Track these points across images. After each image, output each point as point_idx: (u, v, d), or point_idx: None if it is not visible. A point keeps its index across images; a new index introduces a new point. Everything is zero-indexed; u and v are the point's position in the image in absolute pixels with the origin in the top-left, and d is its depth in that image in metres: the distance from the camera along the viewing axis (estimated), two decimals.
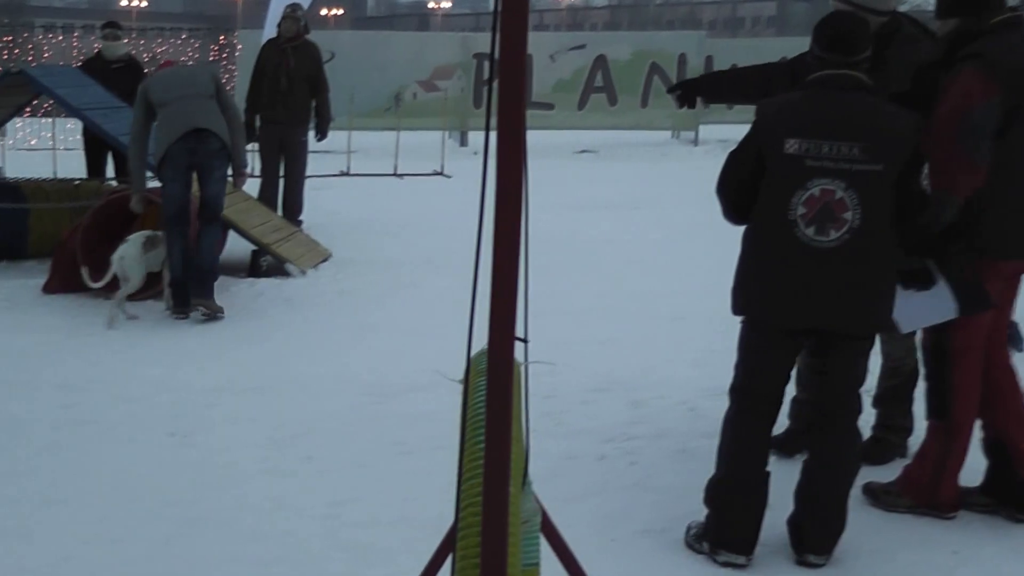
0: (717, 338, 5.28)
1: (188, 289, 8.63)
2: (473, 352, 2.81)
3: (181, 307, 8.62)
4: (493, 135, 2.24)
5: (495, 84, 2.22)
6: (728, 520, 4.58)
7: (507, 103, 2.15)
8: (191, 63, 8.98)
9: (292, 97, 12.53)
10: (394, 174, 19.15)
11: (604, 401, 6.63)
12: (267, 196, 12.37)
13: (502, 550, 2.30)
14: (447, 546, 3.19)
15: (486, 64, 24.40)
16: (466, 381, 3.00)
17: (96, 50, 13.39)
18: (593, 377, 7.03)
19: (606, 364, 7.37)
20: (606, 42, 26.70)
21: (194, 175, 8.77)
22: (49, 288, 9.50)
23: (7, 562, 4.51)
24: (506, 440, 2.25)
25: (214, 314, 8.58)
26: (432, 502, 4.91)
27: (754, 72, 5.95)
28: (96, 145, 12.10)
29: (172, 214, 8.67)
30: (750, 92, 5.67)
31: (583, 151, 23.53)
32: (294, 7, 12.92)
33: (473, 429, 2.81)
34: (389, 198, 16.54)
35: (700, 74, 5.85)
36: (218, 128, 8.71)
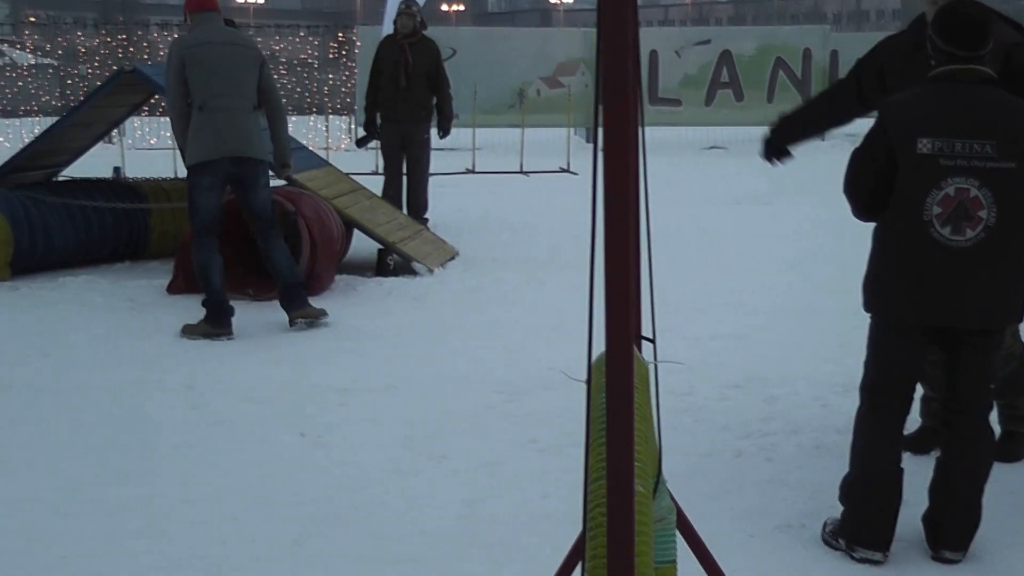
0: (850, 333, 5.19)
1: (228, 304, 8.23)
2: (597, 351, 2.75)
3: (221, 325, 8.14)
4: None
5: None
6: (864, 517, 4.51)
7: (612, 97, 2.08)
8: (235, 40, 7.34)
9: (412, 94, 12.55)
10: (520, 171, 19.17)
11: (739, 397, 6.52)
12: (391, 194, 12.42)
13: (629, 550, 2.24)
14: (580, 545, 3.15)
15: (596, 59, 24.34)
16: (589, 381, 2.96)
17: None
18: (729, 373, 6.92)
19: (741, 360, 7.26)
20: (731, 37, 26.49)
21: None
22: (173, 289, 9.59)
23: (144, 559, 4.52)
24: (628, 441, 2.19)
25: (317, 319, 8.33)
26: (568, 499, 4.87)
27: (821, 102, 6.03)
28: None
29: (207, 223, 8.23)
30: (823, 123, 6.06)
31: (712, 147, 23.38)
32: (409, 3, 12.92)
33: (597, 430, 2.76)
34: (515, 195, 16.56)
35: (774, 124, 5.80)
36: (261, 151, 8.31)
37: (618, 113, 2.04)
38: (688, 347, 7.24)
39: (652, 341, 2.91)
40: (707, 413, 6.23)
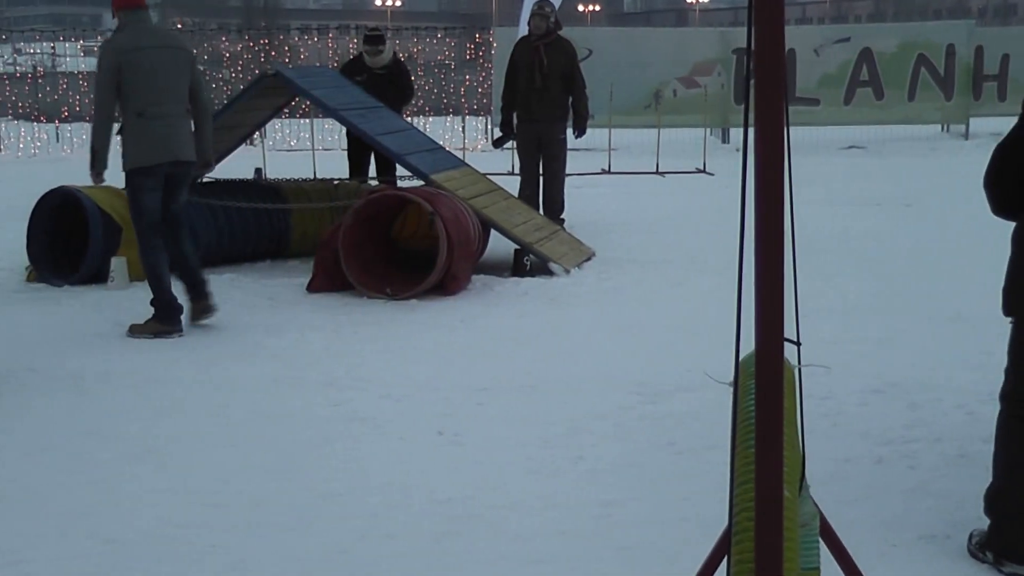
0: (996, 340, 5.05)
1: (177, 302, 8.38)
2: (743, 354, 2.73)
3: (171, 323, 8.29)
4: (752, 131, 2.17)
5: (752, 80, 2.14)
6: (1011, 530, 4.36)
7: (765, 98, 2.07)
8: (169, 43, 7.66)
9: (547, 94, 12.56)
10: (656, 172, 19.09)
11: (880, 403, 6.42)
12: (527, 194, 12.44)
13: (777, 556, 2.23)
14: (721, 549, 3.13)
15: (747, 59, 24.08)
16: (736, 384, 2.94)
17: (360, 54, 13.64)
18: (869, 378, 6.81)
19: (881, 365, 7.14)
20: (871, 34, 26.09)
21: None
22: (313, 287, 9.70)
23: (285, 554, 4.59)
24: (778, 444, 2.18)
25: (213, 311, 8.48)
26: (707, 503, 4.85)
27: None
28: (359, 145, 12.36)
29: (153, 224, 8.31)
30: None
31: (850, 147, 23.06)
32: (541, 4, 12.91)
33: (744, 433, 2.75)
34: (651, 196, 16.51)
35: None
36: (193, 154, 8.47)
37: (771, 116, 2.03)
38: (826, 350, 7.13)
39: (797, 344, 2.89)
40: (846, 418, 6.13)
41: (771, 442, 2.11)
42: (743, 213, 2.24)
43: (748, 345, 2.50)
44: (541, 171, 12.73)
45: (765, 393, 2.12)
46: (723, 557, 3.10)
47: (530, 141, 12.75)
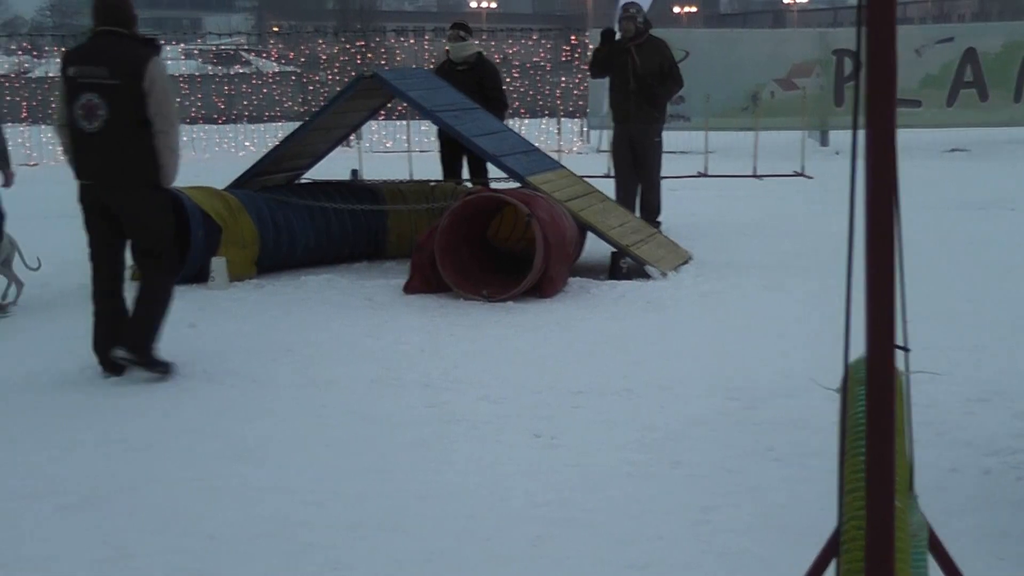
0: None
1: None
2: (849, 359, 2.68)
3: None
4: (859, 134, 2.12)
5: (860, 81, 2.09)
6: None
7: (877, 100, 2.02)
8: None
9: (640, 96, 12.51)
10: (753, 175, 18.94)
11: (987, 412, 6.28)
12: (622, 197, 12.39)
13: (889, 567, 2.18)
14: (826, 557, 3.08)
15: (847, 61, 23.83)
16: (844, 390, 2.88)
17: (446, 52, 13.70)
18: (974, 386, 6.68)
19: (987, 372, 7.01)
20: (975, 34, 25.62)
21: None
22: (409, 289, 9.72)
23: (382, 554, 4.61)
24: (889, 452, 2.14)
25: None
26: (806, 510, 4.79)
27: None
28: (451, 147, 12.37)
29: None
30: None
31: (953, 149, 22.72)
32: (627, 6, 12.87)
33: (853, 440, 2.70)
34: (748, 199, 16.39)
35: None
36: None
37: (883, 116, 1.98)
38: (929, 357, 7.01)
39: (906, 351, 2.83)
40: (950, 427, 6.01)
41: (883, 451, 2.06)
42: (852, 217, 2.19)
43: (851, 350, 2.46)
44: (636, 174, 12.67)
45: (876, 400, 2.07)
46: (827, 565, 3.05)
47: (624, 144, 12.70)
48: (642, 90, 12.49)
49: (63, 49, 38.81)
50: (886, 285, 2.04)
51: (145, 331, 7.26)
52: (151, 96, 7.07)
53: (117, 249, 7.40)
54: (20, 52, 48.21)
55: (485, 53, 13.98)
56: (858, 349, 2.45)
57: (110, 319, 7.38)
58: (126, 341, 7.19)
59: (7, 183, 9.33)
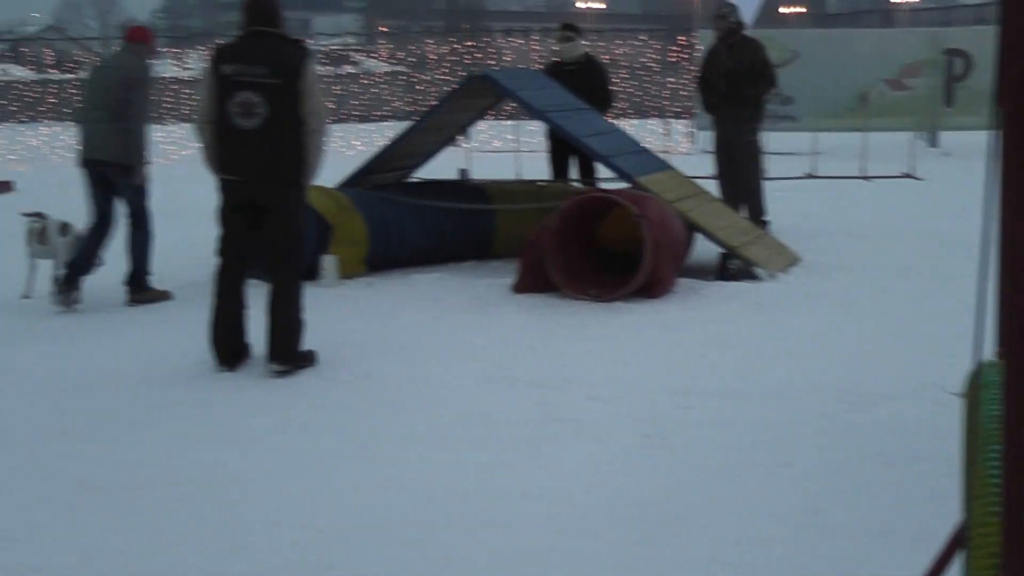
0: None
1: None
2: (972, 364, 2.68)
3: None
4: (976, 134, 2.12)
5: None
6: None
7: (1017, 100, 2.01)
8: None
9: (733, 97, 12.47)
10: (861, 176, 18.76)
11: None
12: (725, 198, 12.37)
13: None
14: (943, 561, 3.08)
15: (957, 61, 23.50)
16: (971, 395, 2.88)
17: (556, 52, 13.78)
18: None
19: None
20: None
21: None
22: (518, 288, 9.77)
23: (491, 551, 4.66)
24: None
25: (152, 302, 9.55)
26: (915, 515, 4.80)
27: None
28: (561, 147, 12.41)
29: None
30: None
31: None
32: (720, 5, 12.85)
33: (981, 446, 2.69)
34: (856, 201, 16.23)
35: None
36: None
37: (1022, 119, 1.97)
38: None
39: None
40: None
41: (1019, 457, 2.05)
42: (986, 219, 2.20)
43: (965, 353, 2.46)
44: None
45: (1015, 406, 2.06)
46: (943, 569, 3.05)
47: (720, 145, 12.71)
48: (732, 90, 12.45)
49: (176, 51, 39.40)
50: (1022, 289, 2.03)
51: (291, 339, 7.42)
52: (307, 96, 7.25)
53: (248, 247, 7.54)
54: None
55: (593, 53, 14.02)
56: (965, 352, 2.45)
57: (231, 314, 7.54)
58: (277, 355, 7.37)
59: (138, 179, 9.60)
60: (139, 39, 9.85)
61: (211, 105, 7.42)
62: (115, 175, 9.54)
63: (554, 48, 13.69)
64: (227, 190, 7.47)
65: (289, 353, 7.39)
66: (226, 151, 7.39)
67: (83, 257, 9.60)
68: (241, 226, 7.45)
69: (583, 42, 13.68)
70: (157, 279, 9.88)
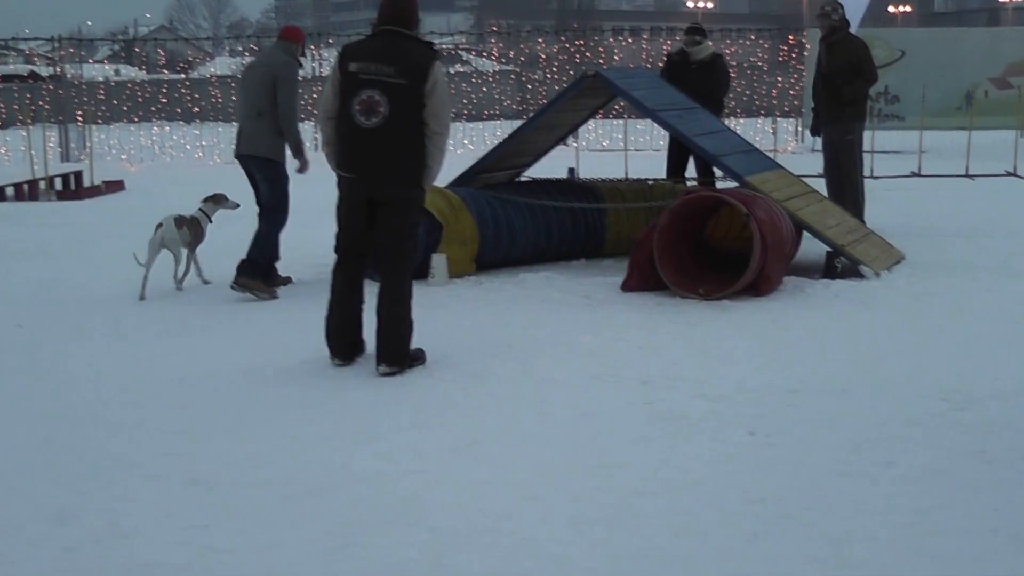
0: None
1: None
2: None
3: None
4: None
5: None
6: None
7: None
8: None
9: (828, 95, 12.50)
10: (965, 175, 18.61)
11: None
12: (833, 196, 12.39)
13: None
14: None
15: None
16: None
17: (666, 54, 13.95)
18: None
19: None
20: None
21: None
22: (628, 286, 9.86)
23: (600, 549, 4.72)
24: None
25: (256, 293, 9.81)
26: (1020, 514, 4.83)
27: None
28: (680, 146, 12.50)
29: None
30: None
31: None
32: (824, 3, 12.87)
33: None
34: (961, 199, 16.13)
35: None
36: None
37: None
38: None
39: None
40: None
41: None
42: None
43: None
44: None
45: None
46: None
47: (826, 145, 12.74)
48: (828, 88, 12.48)
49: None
50: None
51: (400, 341, 7.51)
52: (431, 98, 7.31)
53: (365, 244, 7.60)
54: (246, 53, 49.70)
55: (719, 52, 14.19)
56: None
57: (348, 309, 7.67)
58: (385, 357, 7.46)
59: (302, 169, 10.08)
60: (290, 37, 10.25)
61: (334, 101, 7.52)
62: (256, 168, 10.02)
63: (669, 46, 13.90)
64: (345, 187, 7.58)
65: (397, 354, 7.47)
66: (347, 148, 7.49)
67: (255, 246, 10.09)
68: (358, 223, 7.54)
69: (709, 43, 13.83)
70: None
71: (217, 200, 10.59)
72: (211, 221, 10.56)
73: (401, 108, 7.28)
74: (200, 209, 10.49)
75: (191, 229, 10.24)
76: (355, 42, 7.71)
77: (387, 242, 7.52)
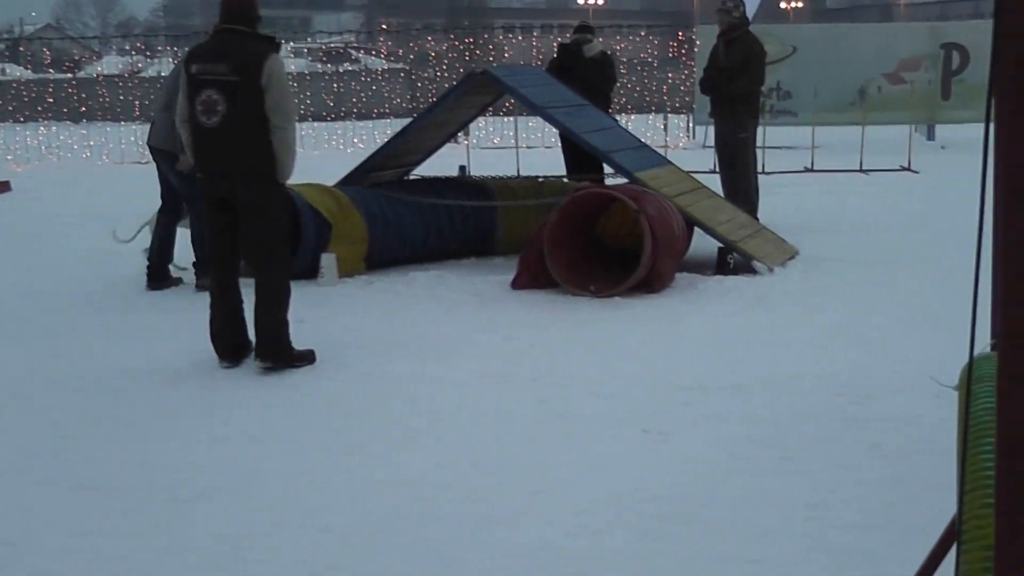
0: None
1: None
2: (971, 356, 2.69)
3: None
4: (973, 127, 2.13)
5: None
6: None
7: (1015, 92, 2.02)
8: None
9: (723, 93, 12.53)
10: (859, 170, 18.79)
11: None
12: (726, 192, 12.42)
13: (1018, 565, 2.18)
14: (939, 554, 3.09)
15: (955, 55, 23.55)
16: (967, 388, 2.89)
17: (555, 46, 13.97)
18: None
19: None
20: None
21: None
22: (518, 284, 9.78)
23: (494, 548, 4.65)
24: (1019, 451, 2.14)
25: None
26: (915, 508, 4.80)
27: None
28: (573, 144, 12.44)
29: None
30: None
31: None
32: (724, 1, 12.92)
33: (976, 437, 2.70)
34: (855, 194, 16.27)
35: None
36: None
37: (1020, 109, 1.97)
38: None
39: None
40: None
41: (1015, 450, 2.06)
42: (982, 212, 2.20)
43: (962, 345, 2.47)
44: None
45: (1010, 398, 2.06)
46: (940, 562, 3.06)
47: (717, 140, 12.80)
48: (722, 85, 12.51)
49: (175, 49, 39.51)
50: (1021, 280, 2.04)
51: (276, 334, 7.44)
52: (268, 92, 7.23)
53: (234, 243, 7.55)
54: (134, 52, 49.15)
55: (607, 49, 14.21)
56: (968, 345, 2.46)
57: (227, 310, 7.59)
58: (262, 352, 7.43)
59: (182, 167, 9.75)
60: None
61: (184, 104, 7.53)
62: (161, 160, 9.93)
63: (556, 42, 13.85)
64: (204, 187, 7.56)
65: (274, 350, 7.42)
66: (196, 149, 7.50)
67: (194, 244, 10.01)
68: (223, 222, 7.50)
69: (598, 40, 13.85)
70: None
71: None
72: None
73: (238, 106, 7.26)
74: None
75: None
76: (198, 43, 7.75)
77: (251, 240, 7.47)
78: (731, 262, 10.20)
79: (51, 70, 47.03)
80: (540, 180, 12.37)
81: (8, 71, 54.07)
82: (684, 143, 25.59)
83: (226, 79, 7.25)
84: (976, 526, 2.41)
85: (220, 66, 7.27)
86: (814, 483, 5.27)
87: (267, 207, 7.41)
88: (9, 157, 26.91)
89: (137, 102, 37.94)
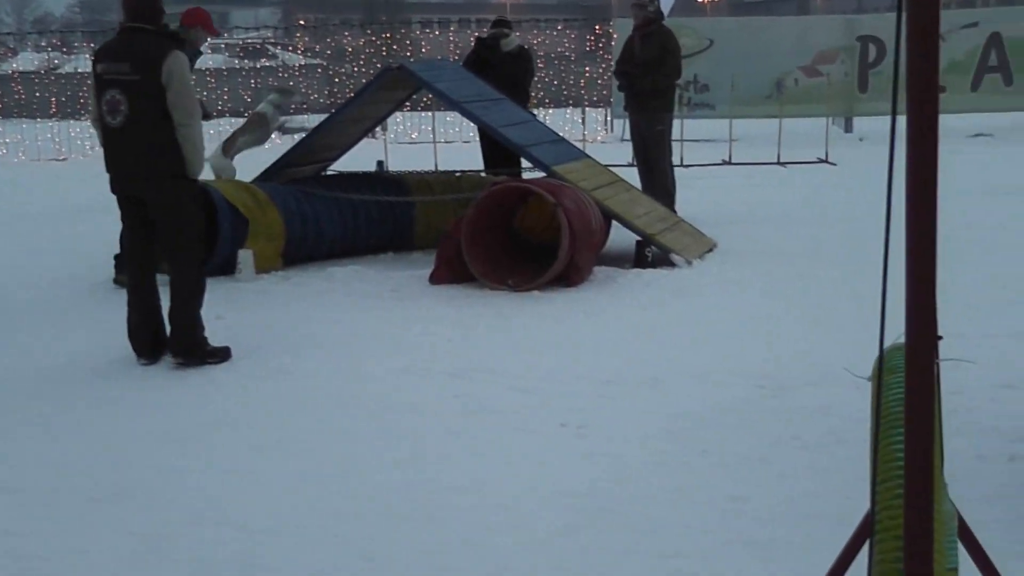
0: None
1: None
2: (881, 348, 2.68)
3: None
4: (889, 119, 2.13)
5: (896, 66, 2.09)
6: None
7: (920, 86, 2.02)
8: None
9: (639, 86, 12.58)
10: (777, 162, 18.91)
11: (1012, 399, 6.26)
12: (645, 186, 12.45)
13: (927, 556, 2.19)
14: (855, 546, 3.09)
15: (871, 47, 23.80)
16: (878, 378, 2.89)
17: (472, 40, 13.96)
18: (1001, 373, 6.64)
19: (1015, 359, 6.99)
20: (1001, 18, 25.49)
21: None
22: (436, 279, 9.76)
23: (413, 545, 4.62)
24: (928, 442, 2.14)
25: None
26: (834, 499, 4.82)
27: None
28: (491, 138, 12.43)
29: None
30: None
31: (977, 135, 22.62)
32: None
33: (887, 428, 2.70)
34: (773, 187, 16.37)
35: None
36: None
37: (926, 103, 1.97)
38: (958, 345, 6.97)
39: (937, 338, 2.83)
40: (977, 414, 5.99)
41: (921, 439, 2.07)
42: (889, 205, 2.20)
43: (882, 338, 2.46)
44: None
45: (917, 390, 2.07)
46: (856, 553, 3.06)
47: (634, 132, 12.82)
48: (638, 79, 12.55)
49: (92, 45, 39.10)
50: (928, 275, 2.04)
51: (189, 330, 7.41)
52: (169, 90, 7.19)
53: (148, 240, 7.51)
54: (50, 49, 48.48)
55: (525, 44, 14.20)
56: (888, 337, 2.45)
57: (144, 306, 7.53)
58: (176, 347, 7.41)
59: None
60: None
61: (94, 104, 7.50)
62: None
63: (473, 36, 13.84)
64: (112, 185, 7.51)
65: (187, 346, 7.40)
66: (104, 149, 7.46)
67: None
68: (136, 220, 7.48)
69: (516, 34, 13.83)
70: (79, 276, 9.95)
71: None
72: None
73: (139, 104, 7.23)
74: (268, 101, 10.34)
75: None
76: (104, 43, 7.67)
77: (163, 238, 7.45)
78: (649, 255, 10.21)
79: None
80: (458, 175, 12.34)
81: None
82: (602, 136, 25.66)
83: (128, 78, 7.21)
84: (888, 516, 2.40)
85: (123, 65, 7.23)
86: (733, 475, 5.28)
87: (177, 204, 7.35)
88: None
89: (54, 99, 37.45)
